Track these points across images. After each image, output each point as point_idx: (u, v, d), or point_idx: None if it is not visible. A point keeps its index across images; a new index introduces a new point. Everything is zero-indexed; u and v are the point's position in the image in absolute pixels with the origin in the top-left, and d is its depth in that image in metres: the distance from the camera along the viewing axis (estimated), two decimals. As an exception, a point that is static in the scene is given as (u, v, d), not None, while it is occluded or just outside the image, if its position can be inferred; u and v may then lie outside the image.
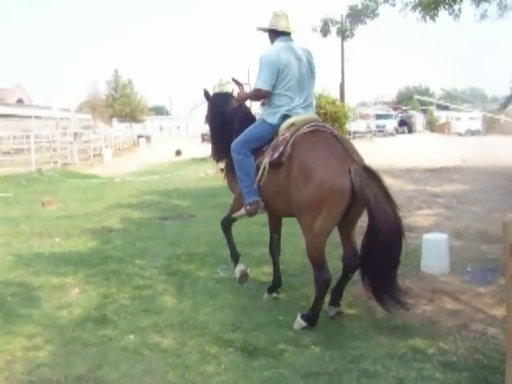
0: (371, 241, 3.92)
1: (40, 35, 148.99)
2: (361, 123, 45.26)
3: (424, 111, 59.77)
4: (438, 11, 10.45)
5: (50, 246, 7.15)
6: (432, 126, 56.54)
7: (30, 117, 34.81)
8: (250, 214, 4.69)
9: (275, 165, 4.27)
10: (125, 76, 61.76)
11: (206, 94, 5.22)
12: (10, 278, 5.70)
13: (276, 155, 4.25)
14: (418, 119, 55.74)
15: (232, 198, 5.12)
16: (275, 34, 4.55)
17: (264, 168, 4.38)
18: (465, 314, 4.37)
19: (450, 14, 10.71)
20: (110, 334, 4.18)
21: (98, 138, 32.91)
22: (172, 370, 3.57)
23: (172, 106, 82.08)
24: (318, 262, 4.12)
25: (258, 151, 4.53)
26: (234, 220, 5.10)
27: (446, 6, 10.44)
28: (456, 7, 10.58)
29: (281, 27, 4.51)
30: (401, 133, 49.25)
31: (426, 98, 60.64)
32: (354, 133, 36.92)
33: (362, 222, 4.26)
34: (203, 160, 22.89)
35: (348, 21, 13.34)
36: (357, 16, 12.91)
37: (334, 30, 14.19)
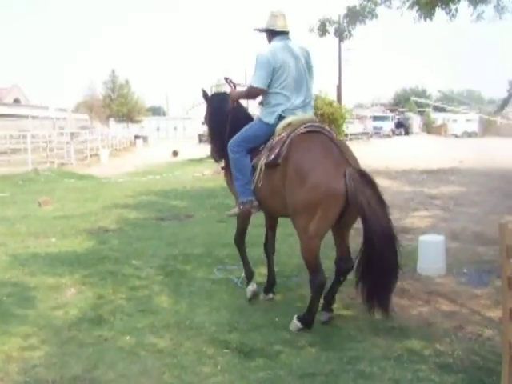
0: (365, 246, 3.93)
1: (37, 35, 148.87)
2: (358, 125, 45.36)
3: (421, 113, 59.94)
4: (434, 11, 10.46)
5: (46, 246, 7.13)
6: (429, 127, 56.70)
7: (26, 116, 34.77)
8: (243, 213, 4.69)
9: (271, 166, 4.27)
10: (122, 76, 61.66)
11: (205, 94, 5.22)
12: (5, 278, 5.68)
13: (272, 156, 4.25)
14: (415, 121, 55.94)
15: (229, 198, 5.11)
16: (272, 33, 4.55)
17: (260, 169, 4.38)
18: (461, 316, 4.38)
19: (446, 13, 10.73)
20: (106, 335, 4.17)
21: (95, 138, 32.85)
22: (168, 370, 3.57)
23: (169, 106, 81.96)
24: (313, 265, 4.12)
25: (254, 151, 4.53)
26: (245, 232, 5.06)
27: (443, 6, 10.45)
28: (453, 7, 10.60)
29: (278, 27, 4.51)
30: (397, 134, 49.37)
31: (422, 100, 60.85)
32: (351, 134, 36.95)
33: (358, 223, 4.26)
34: (200, 161, 22.93)
35: (346, 21, 13.33)
36: (354, 16, 12.90)
37: (331, 30, 14.19)
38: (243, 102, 5.22)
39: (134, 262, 6.21)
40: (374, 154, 20.05)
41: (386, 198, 4.07)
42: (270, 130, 4.48)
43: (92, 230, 8.17)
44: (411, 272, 5.49)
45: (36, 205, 11.02)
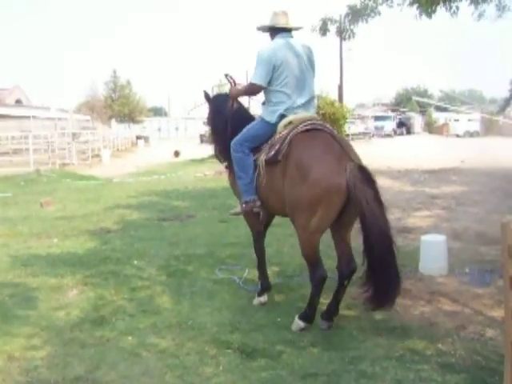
0: (364, 246, 3.92)
1: (38, 35, 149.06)
2: (359, 125, 45.34)
3: (422, 113, 59.88)
4: (435, 8, 10.41)
5: (48, 247, 7.14)
6: (430, 127, 56.64)
7: (28, 117, 34.81)
8: (246, 212, 4.69)
9: (271, 162, 4.27)
10: (123, 77, 61.82)
11: (207, 96, 5.22)
12: (7, 279, 5.69)
13: (272, 153, 4.25)
14: (417, 121, 55.88)
15: (231, 198, 5.10)
16: (275, 31, 4.55)
17: (261, 166, 4.38)
18: (463, 316, 4.37)
19: (446, 10, 10.69)
20: (108, 335, 4.17)
21: (97, 139, 32.87)
22: (170, 370, 3.57)
23: (170, 106, 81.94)
24: (313, 260, 4.13)
25: (256, 150, 4.53)
26: (260, 236, 5.00)
27: (444, 2, 10.39)
28: (453, 5, 10.56)
29: (280, 24, 4.51)
30: (399, 134, 49.32)
31: (424, 100, 60.74)
32: (353, 134, 36.95)
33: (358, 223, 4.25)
34: (202, 161, 22.95)
35: (347, 20, 13.30)
36: (356, 16, 12.87)
37: (333, 29, 14.18)
38: (245, 101, 5.22)
39: (135, 262, 6.21)
40: (375, 153, 20.01)
41: (388, 197, 4.08)
42: (271, 128, 4.48)
43: (94, 231, 8.18)
44: (413, 272, 5.49)
45: (38, 205, 11.04)
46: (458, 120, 51.43)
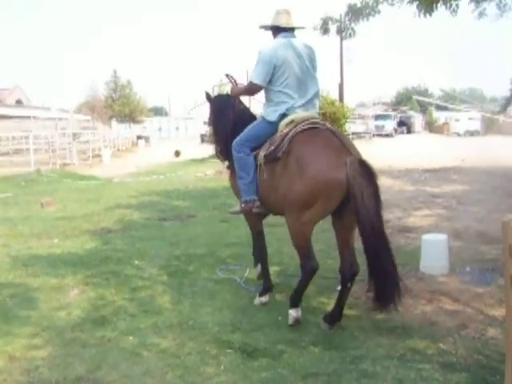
0: (361, 242, 3.93)
1: (39, 35, 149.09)
2: (360, 124, 45.31)
3: (423, 112, 59.83)
4: (435, 6, 10.39)
5: (48, 247, 7.14)
6: (431, 126, 56.61)
7: (28, 117, 34.83)
8: (246, 212, 4.69)
9: (271, 160, 4.26)
10: (124, 77, 61.79)
11: (208, 96, 5.22)
12: (8, 279, 5.69)
13: (272, 148, 4.25)
14: (417, 120, 55.82)
15: (231, 198, 5.10)
16: (277, 30, 4.54)
17: (260, 162, 4.37)
18: (464, 315, 4.37)
19: (446, 8, 10.66)
20: (109, 335, 4.17)
21: (97, 139, 32.88)
22: (171, 370, 3.57)
23: (171, 106, 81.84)
24: (305, 250, 4.13)
25: (257, 150, 4.52)
26: (260, 237, 5.00)
27: (445, 0, 10.37)
28: (453, 3, 10.53)
29: (282, 24, 4.50)
30: (400, 133, 49.29)
31: (424, 99, 60.68)
32: (353, 133, 36.92)
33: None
34: (202, 161, 22.95)
35: (347, 19, 13.28)
36: (356, 15, 12.85)
37: (333, 28, 14.15)
38: (246, 101, 5.21)
39: (136, 262, 6.21)
40: (376, 153, 19.96)
41: (389, 197, 4.08)
42: (272, 128, 4.47)
43: (94, 231, 8.18)
44: (414, 271, 5.49)
45: (38, 205, 11.04)
46: (458, 119, 51.45)
